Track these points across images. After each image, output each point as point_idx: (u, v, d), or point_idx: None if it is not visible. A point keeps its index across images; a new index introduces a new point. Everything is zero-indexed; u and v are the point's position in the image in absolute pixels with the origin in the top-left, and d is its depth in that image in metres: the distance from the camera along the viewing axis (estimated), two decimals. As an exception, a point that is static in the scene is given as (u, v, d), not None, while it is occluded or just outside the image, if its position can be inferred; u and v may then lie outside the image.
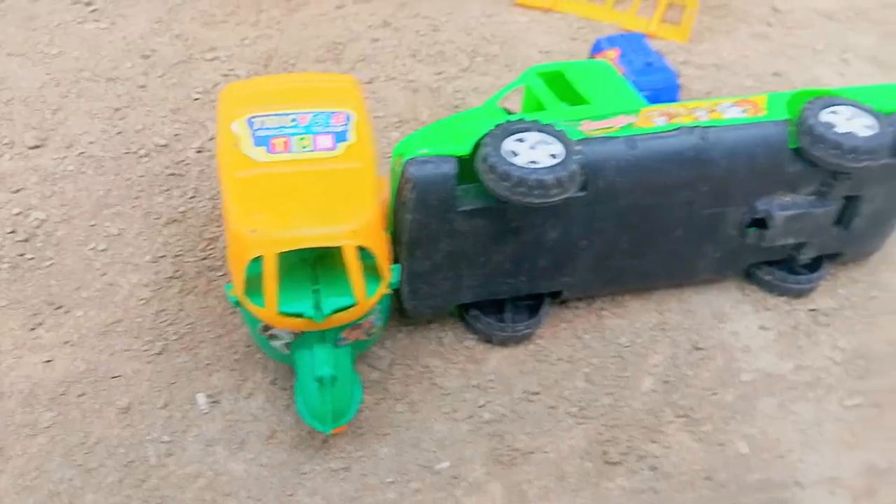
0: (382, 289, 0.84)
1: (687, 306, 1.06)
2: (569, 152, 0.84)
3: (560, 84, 1.03)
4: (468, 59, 1.47)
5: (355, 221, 0.80)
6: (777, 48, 1.56)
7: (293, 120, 0.91)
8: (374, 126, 1.28)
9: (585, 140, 0.88)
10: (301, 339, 0.84)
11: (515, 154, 0.84)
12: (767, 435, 0.93)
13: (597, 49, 1.29)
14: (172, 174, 1.21)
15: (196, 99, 1.34)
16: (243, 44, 1.47)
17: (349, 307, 0.81)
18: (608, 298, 1.06)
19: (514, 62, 1.47)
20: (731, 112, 0.95)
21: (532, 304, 1.01)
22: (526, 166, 0.82)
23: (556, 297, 1.02)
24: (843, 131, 0.92)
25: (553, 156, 0.84)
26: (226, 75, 1.40)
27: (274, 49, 1.46)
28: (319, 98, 0.94)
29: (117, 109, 1.33)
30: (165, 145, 1.26)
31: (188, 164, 1.22)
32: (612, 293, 1.05)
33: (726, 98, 0.99)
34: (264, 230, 0.79)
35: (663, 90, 1.22)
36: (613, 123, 0.92)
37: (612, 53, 1.25)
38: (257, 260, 0.78)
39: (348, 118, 0.91)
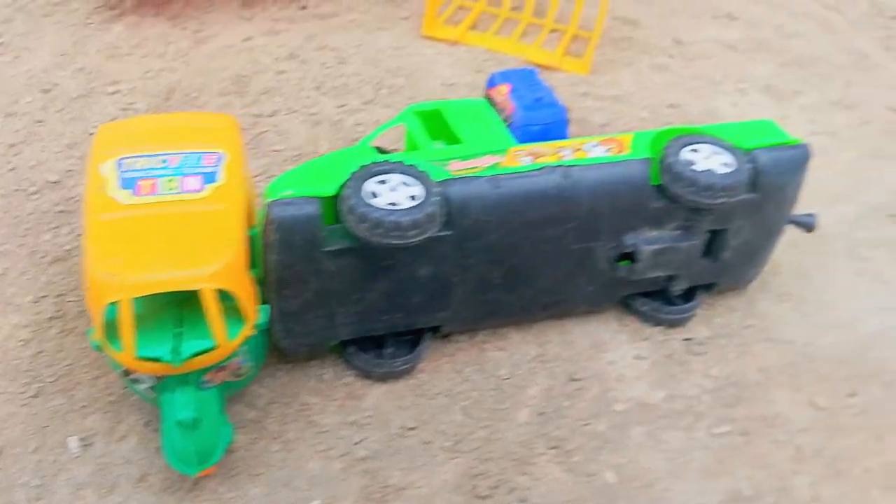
0: (247, 331, 0.85)
1: (566, 337, 1.09)
2: (428, 194, 0.86)
3: (437, 122, 1.06)
4: (373, 92, 1.49)
5: (215, 264, 0.81)
6: (676, 80, 1.61)
7: (163, 161, 0.92)
8: (272, 160, 1.30)
9: (451, 180, 0.90)
10: (164, 382, 0.85)
11: (376, 195, 0.86)
12: (636, 464, 0.96)
13: (491, 84, 1.32)
14: (62, 211, 1.21)
15: (92, 134, 1.33)
16: (146, 77, 1.48)
17: (210, 350, 0.82)
18: (490, 331, 1.08)
19: (418, 94, 1.49)
20: (595, 151, 0.98)
21: (414, 339, 1.03)
22: (384, 208, 0.83)
23: (437, 332, 1.04)
24: (701, 169, 0.95)
25: (412, 197, 0.86)
26: (125, 109, 1.40)
27: (177, 82, 1.47)
28: (193, 139, 0.95)
29: (12, 145, 1.32)
30: (57, 182, 1.25)
31: (78, 200, 1.22)
32: (493, 326, 1.07)
33: (593, 137, 1.02)
34: (121, 274, 0.79)
35: (552, 125, 1.25)
36: (480, 163, 0.94)
37: (504, 89, 1.28)
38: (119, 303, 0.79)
39: (220, 159, 0.92)
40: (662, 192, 0.98)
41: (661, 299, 1.10)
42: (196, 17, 1.64)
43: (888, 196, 1.37)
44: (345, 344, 1.00)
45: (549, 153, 0.97)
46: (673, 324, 1.10)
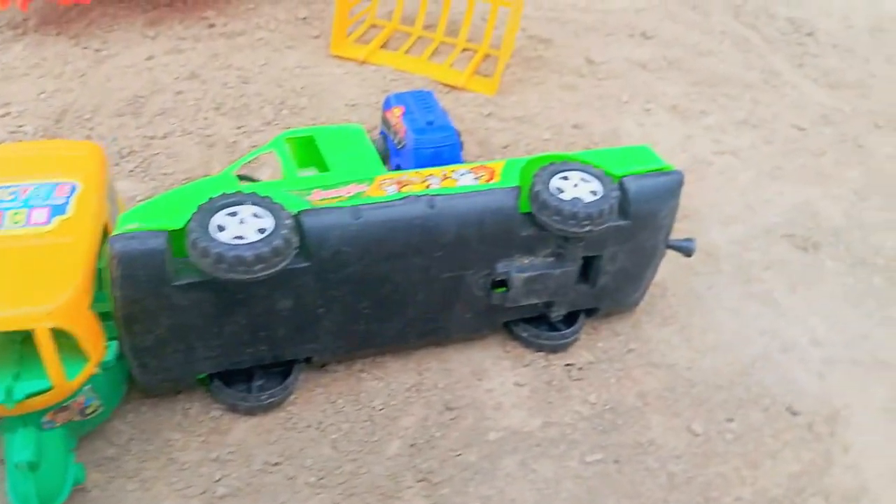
0: (89, 370, 0.82)
1: (447, 365, 1.07)
2: (277, 226, 0.84)
3: (309, 149, 1.04)
4: (273, 113, 1.47)
5: (51, 302, 0.78)
6: (584, 99, 1.61)
7: (12, 193, 0.89)
8: (161, 184, 1.27)
9: (308, 211, 0.88)
10: (5, 423, 0.82)
11: (222, 229, 0.84)
12: (505, 495, 0.94)
13: (386, 106, 1.31)
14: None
15: (-27, 158, 1.30)
16: (40, 98, 1.44)
17: (46, 391, 0.79)
18: (368, 360, 1.06)
19: (320, 115, 1.47)
20: (464, 179, 0.97)
21: (285, 371, 1.00)
22: (227, 242, 0.81)
23: (310, 362, 1.02)
24: (567, 198, 0.95)
25: (261, 230, 0.84)
26: (13, 132, 1.36)
27: (71, 103, 1.43)
28: (49, 168, 0.93)
29: None
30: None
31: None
32: (368, 355, 1.05)
33: (464, 165, 1.01)
34: (-49, 314, 0.76)
35: (444, 148, 1.24)
36: (343, 193, 0.92)
37: (398, 111, 1.28)
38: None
39: (73, 189, 0.90)
40: (532, 220, 0.97)
41: (543, 325, 1.09)
42: (98, 36, 1.61)
43: (783, 216, 1.38)
44: (211, 377, 0.97)
45: (417, 181, 0.95)
46: (554, 349, 1.09)
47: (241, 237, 0.83)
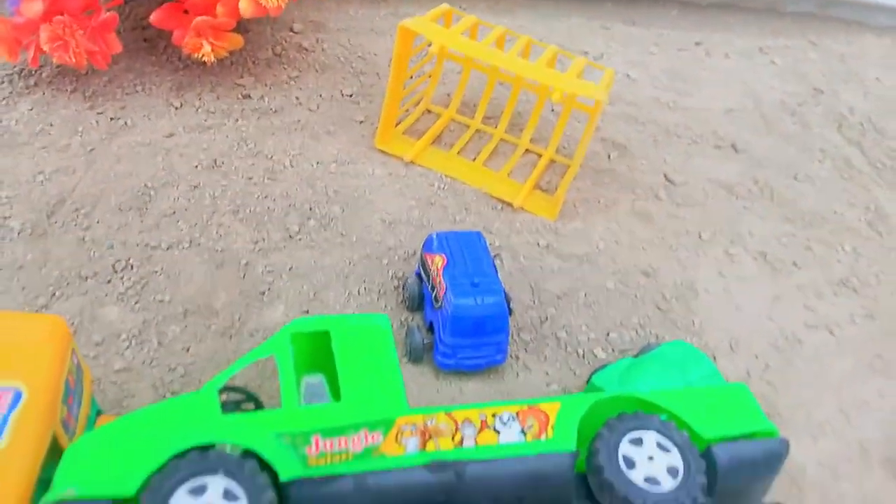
0: None
1: None
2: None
3: (322, 349, 0.84)
4: (298, 223, 1.27)
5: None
6: (657, 234, 1.38)
7: (-62, 404, 0.70)
8: (152, 315, 1.08)
9: (298, 481, 0.68)
10: None
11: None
12: None
13: (427, 248, 1.11)
14: None
15: (-55, 261, 1.13)
16: (36, 181, 1.26)
17: None
18: None
19: (351, 231, 1.27)
20: (508, 432, 0.76)
21: None
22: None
23: None
24: (639, 478, 0.73)
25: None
26: (-2, 225, 1.18)
27: (71, 190, 1.25)
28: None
29: None
30: None
31: None
32: None
33: (511, 403, 0.80)
34: None
35: (487, 319, 1.04)
36: (350, 445, 0.72)
37: (439, 261, 1.07)
38: None
39: (15, 400, 0.71)
40: (588, 489, 0.76)
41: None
42: (118, 99, 1.43)
43: (882, 430, 1.14)
44: None
45: (446, 431, 0.75)
46: None
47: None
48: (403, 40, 1.28)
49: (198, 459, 0.66)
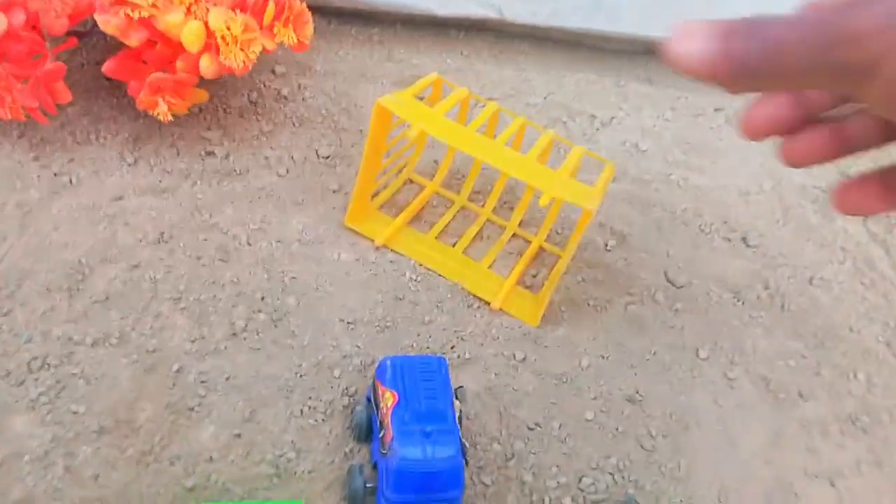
0: None
1: None
2: None
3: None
4: (245, 318, 1.13)
5: None
6: (649, 348, 1.24)
7: None
8: (63, 432, 0.96)
9: None
10: None
11: None
12: None
13: (380, 375, 0.98)
14: None
15: None
16: (-42, 249, 1.13)
17: None
18: None
19: (304, 331, 1.14)
20: None
21: None
22: None
23: None
24: None
25: None
26: None
27: (-4, 263, 1.12)
28: None
29: None
30: None
31: None
32: None
33: None
34: None
35: (437, 474, 0.90)
36: None
37: (390, 398, 0.94)
38: None
39: None
40: None
41: None
42: (67, 150, 1.29)
43: None
44: None
45: None
46: None
47: None
48: (380, 119, 1.13)
49: None
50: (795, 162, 0.49)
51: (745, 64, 0.42)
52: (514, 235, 1.35)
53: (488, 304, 1.22)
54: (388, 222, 1.28)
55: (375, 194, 1.31)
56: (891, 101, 0.39)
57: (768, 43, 0.42)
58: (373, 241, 1.25)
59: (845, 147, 0.48)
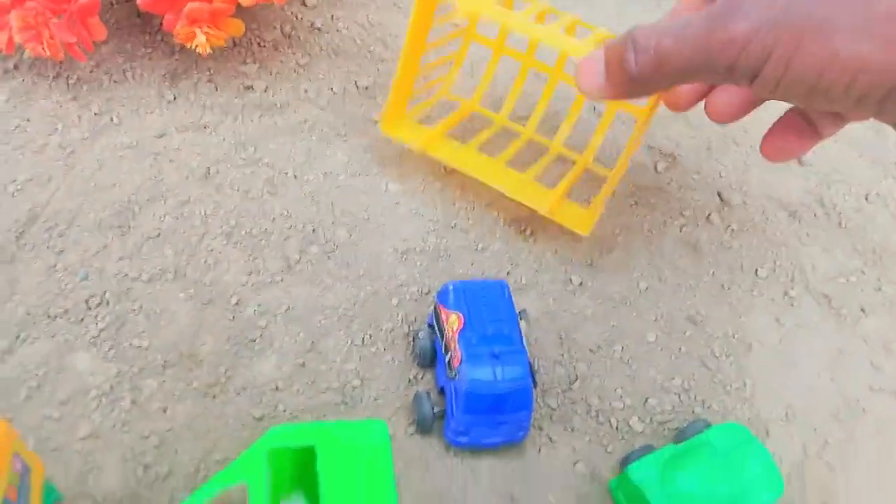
0: None
1: None
2: None
3: (304, 465, 0.70)
4: (298, 250, 1.12)
5: None
6: (706, 269, 1.22)
7: None
8: (129, 366, 0.95)
9: None
10: None
11: None
12: None
13: (443, 299, 0.97)
14: None
15: None
16: (7, 191, 1.12)
17: None
18: None
19: (358, 262, 1.12)
20: None
21: None
22: None
23: None
24: None
25: None
26: (-41, 248, 1.05)
27: (45, 203, 1.11)
28: None
29: None
30: None
31: None
32: None
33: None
34: None
35: (508, 396, 0.89)
36: None
37: (455, 321, 0.93)
38: None
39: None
40: None
41: None
42: (104, 90, 1.26)
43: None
44: None
45: None
46: None
47: None
48: (423, 6, 1.07)
49: None
50: (719, 119, 0.61)
51: (634, 79, 0.52)
52: (558, 156, 1.30)
53: (535, 211, 1.14)
54: (425, 130, 1.22)
55: (409, 109, 1.25)
56: (775, 93, 0.45)
57: (658, 54, 0.49)
58: (410, 145, 1.19)
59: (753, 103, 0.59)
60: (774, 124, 0.47)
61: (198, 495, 0.64)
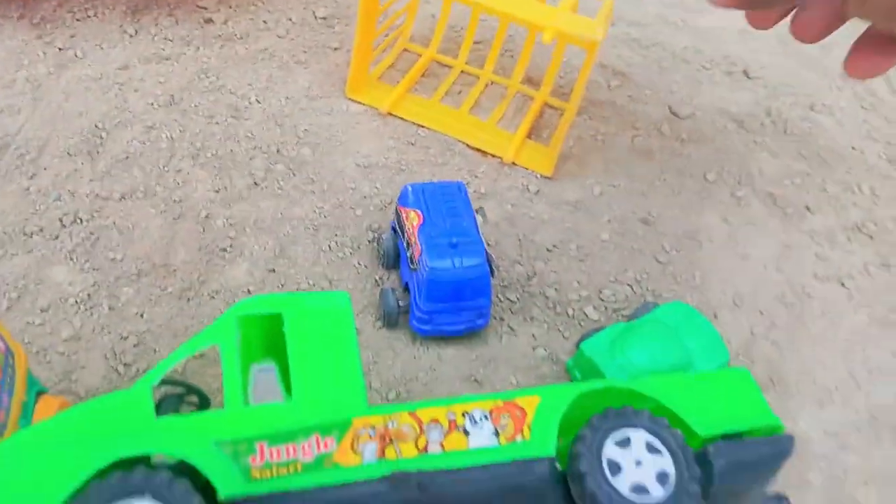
0: None
1: None
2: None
3: (273, 332, 0.75)
4: (264, 168, 1.16)
5: None
6: (658, 175, 1.27)
7: None
8: (104, 276, 0.99)
9: (239, 500, 0.60)
10: None
11: None
12: None
13: (402, 201, 1.01)
14: None
15: None
16: (-24, 122, 1.15)
17: None
18: None
19: (322, 177, 1.16)
20: (479, 434, 0.67)
21: None
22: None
23: None
24: (624, 487, 0.65)
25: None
26: (-67, 175, 1.08)
27: (15, 133, 1.14)
28: None
29: None
30: None
31: None
32: None
33: (483, 398, 0.71)
34: None
35: (468, 282, 0.95)
36: (300, 454, 0.64)
37: (415, 217, 0.97)
38: None
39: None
40: (567, 489, 0.69)
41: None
42: (68, 26, 1.29)
43: (895, 396, 1.06)
44: None
45: (409, 435, 0.66)
46: None
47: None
48: None
49: (122, 480, 0.58)
50: (805, 38, 0.57)
51: None
52: (517, 93, 1.36)
53: (499, 158, 1.23)
54: (389, 90, 1.28)
55: (372, 67, 1.31)
56: (863, 8, 0.43)
57: None
58: (378, 109, 1.25)
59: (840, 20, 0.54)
60: (856, 43, 0.48)
61: (174, 356, 0.69)
